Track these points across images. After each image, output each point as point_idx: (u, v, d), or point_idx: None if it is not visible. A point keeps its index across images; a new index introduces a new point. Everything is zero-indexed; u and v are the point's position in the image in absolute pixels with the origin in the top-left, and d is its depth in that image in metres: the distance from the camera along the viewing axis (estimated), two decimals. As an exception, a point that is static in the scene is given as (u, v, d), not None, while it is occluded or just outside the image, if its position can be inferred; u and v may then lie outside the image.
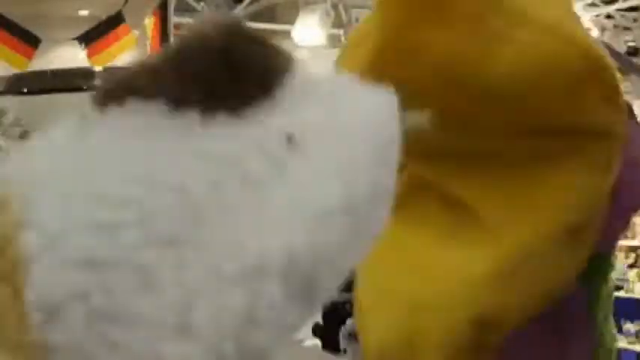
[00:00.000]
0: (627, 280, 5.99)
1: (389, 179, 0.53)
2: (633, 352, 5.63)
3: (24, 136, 5.73)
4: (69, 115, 0.60)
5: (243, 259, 0.46)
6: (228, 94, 0.50)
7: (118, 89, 0.55)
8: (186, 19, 8.73)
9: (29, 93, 5.74)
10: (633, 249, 6.25)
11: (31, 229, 0.46)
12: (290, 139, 0.50)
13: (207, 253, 0.47)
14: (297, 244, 0.47)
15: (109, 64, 5.67)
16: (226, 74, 0.50)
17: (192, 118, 0.49)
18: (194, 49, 0.52)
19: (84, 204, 0.47)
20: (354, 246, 0.50)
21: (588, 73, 1.01)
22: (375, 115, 0.54)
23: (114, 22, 5.39)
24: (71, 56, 5.80)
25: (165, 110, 0.50)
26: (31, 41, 5.26)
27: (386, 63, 0.98)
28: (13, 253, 0.46)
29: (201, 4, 7.22)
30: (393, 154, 0.54)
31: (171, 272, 0.46)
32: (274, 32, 8.54)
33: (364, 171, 0.51)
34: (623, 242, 5.71)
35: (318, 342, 3.33)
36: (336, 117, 0.53)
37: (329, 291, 0.49)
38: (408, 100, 0.56)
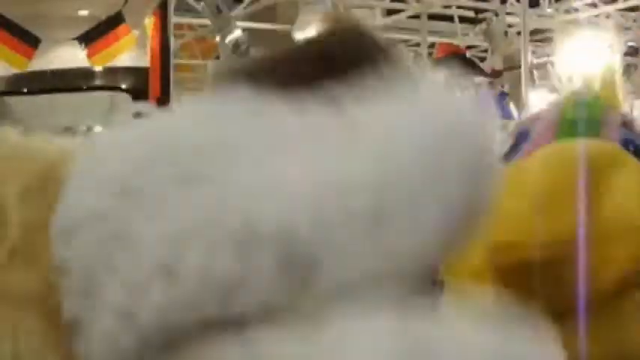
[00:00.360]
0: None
1: (446, 188, 0.53)
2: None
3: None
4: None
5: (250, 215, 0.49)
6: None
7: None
8: (187, 19, 8.73)
9: (29, 93, 5.73)
10: None
11: (78, 164, 0.54)
12: (351, 122, 0.54)
13: (220, 197, 0.50)
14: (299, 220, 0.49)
15: (108, 64, 5.66)
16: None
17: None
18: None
19: (130, 141, 0.54)
20: (371, 230, 0.51)
21: None
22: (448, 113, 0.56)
23: (114, 22, 5.38)
24: (71, 56, 5.79)
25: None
26: (31, 41, 5.25)
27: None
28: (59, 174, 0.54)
29: (201, 4, 7.22)
30: (457, 161, 0.53)
31: (181, 207, 0.50)
32: (274, 32, 8.54)
33: (409, 164, 0.52)
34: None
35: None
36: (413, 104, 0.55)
37: (330, 276, 0.49)
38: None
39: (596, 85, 1.20)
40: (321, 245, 0.48)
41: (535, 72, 8.32)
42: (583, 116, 1.13)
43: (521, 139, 1.15)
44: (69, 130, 5.79)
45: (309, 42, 0.65)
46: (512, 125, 1.25)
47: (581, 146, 1.07)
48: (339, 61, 0.59)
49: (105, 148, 0.55)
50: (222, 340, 0.49)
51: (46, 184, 0.55)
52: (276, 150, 0.52)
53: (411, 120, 0.54)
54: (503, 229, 0.90)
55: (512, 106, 7.16)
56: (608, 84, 1.20)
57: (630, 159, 1.07)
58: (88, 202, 0.51)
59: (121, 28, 5.35)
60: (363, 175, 0.50)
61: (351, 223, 0.49)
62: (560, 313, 0.81)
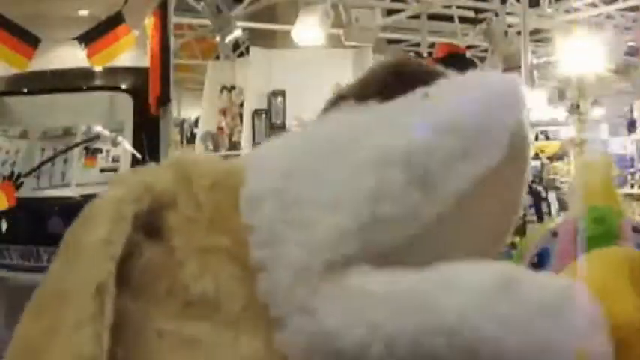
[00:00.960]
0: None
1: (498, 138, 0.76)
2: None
3: (24, 136, 5.73)
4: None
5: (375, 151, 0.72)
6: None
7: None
8: (187, 19, 8.73)
9: (29, 93, 5.73)
10: None
11: (253, 169, 0.78)
12: (426, 94, 0.79)
13: (359, 152, 0.73)
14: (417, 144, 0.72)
15: (108, 64, 5.65)
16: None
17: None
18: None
19: (294, 152, 0.79)
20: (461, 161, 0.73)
21: None
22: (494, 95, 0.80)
23: (114, 22, 5.36)
24: (71, 56, 5.79)
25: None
26: (31, 41, 5.24)
27: None
28: (240, 180, 0.76)
29: (201, 4, 7.21)
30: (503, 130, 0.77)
31: (341, 181, 0.72)
32: (274, 32, 8.54)
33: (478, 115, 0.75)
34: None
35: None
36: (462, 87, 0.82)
37: (449, 187, 0.71)
38: None
39: (597, 192, 1.23)
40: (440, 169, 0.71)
41: (535, 72, 8.32)
42: (602, 230, 1.15)
43: (542, 259, 1.19)
44: (69, 130, 5.78)
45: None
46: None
47: (620, 250, 1.12)
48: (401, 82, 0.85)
49: (267, 148, 0.84)
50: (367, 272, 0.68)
51: (228, 179, 0.77)
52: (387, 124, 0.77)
53: (472, 94, 0.78)
54: None
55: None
56: (608, 191, 1.25)
57: None
58: (265, 181, 0.75)
59: (121, 28, 5.34)
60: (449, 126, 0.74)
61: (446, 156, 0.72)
62: None
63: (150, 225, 0.74)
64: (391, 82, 0.87)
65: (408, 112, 0.77)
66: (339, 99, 0.90)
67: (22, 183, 5.31)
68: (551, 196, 6.84)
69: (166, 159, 0.88)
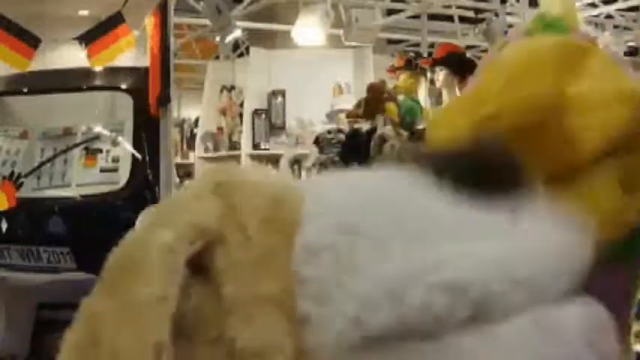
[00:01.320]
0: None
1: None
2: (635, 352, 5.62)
3: (24, 136, 5.73)
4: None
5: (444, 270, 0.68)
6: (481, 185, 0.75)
7: (424, 156, 0.85)
8: (187, 19, 8.73)
9: (29, 93, 5.73)
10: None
11: (311, 203, 0.74)
12: (513, 211, 0.74)
13: (428, 251, 0.69)
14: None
15: (108, 64, 5.65)
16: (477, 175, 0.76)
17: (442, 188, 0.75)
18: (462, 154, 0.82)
19: (354, 196, 0.75)
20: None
21: None
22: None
23: (114, 22, 5.36)
24: (71, 56, 5.79)
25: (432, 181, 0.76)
26: (31, 41, 5.24)
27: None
28: (294, 216, 0.73)
29: (201, 3, 7.22)
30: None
31: (400, 252, 0.69)
32: (274, 32, 8.54)
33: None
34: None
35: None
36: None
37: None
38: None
39: (556, 8, 1.29)
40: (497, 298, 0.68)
41: (535, 72, 8.30)
42: (551, 33, 1.23)
43: None
44: (69, 130, 5.77)
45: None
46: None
47: (556, 37, 1.21)
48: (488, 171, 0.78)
49: (328, 192, 0.77)
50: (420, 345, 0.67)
51: (279, 211, 0.74)
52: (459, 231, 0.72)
53: (545, 230, 0.73)
54: (484, 102, 1.03)
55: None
56: (569, 6, 1.30)
57: (601, 50, 1.22)
58: (326, 235, 0.71)
59: (121, 28, 5.33)
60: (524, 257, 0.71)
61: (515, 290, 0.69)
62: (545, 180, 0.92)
63: (198, 262, 0.72)
64: (470, 170, 0.79)
65: (486, 233, 0.73)
66: (421, 155, 0.85)
67: (22, 183, 5.31)
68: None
69: (204, 173, 0.83)
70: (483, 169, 0.77)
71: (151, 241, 0.71)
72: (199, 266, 0.72)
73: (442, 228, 0.71)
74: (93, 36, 5.27)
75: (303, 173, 5.79)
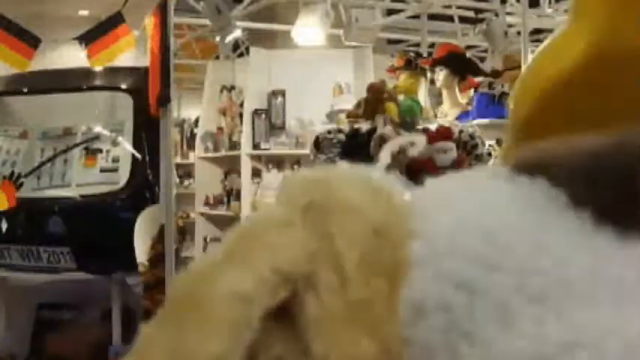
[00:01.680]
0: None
1: None
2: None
3: (24, 136, 5.73)
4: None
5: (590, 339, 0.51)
6: (620, 211, 0.56)
7: (536, 165, 0.61)
8: (187, 19, 8.73)
9: (29, 93, 5.73)
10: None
11: (420, 240, 0.58)
12: None
13: (562, 323, 0.52)
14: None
15: (108, 64, 5.65)
16: (624, 193, 0.56)
17: (582, 217, 0.56)
18: (605, 159, 0.57)
19: (471, 237, 0.57)
20: None
21: None
22: None
23: (114, 22, 5.37)
24: (71, 56, 5.79)
25: (563, 202, 0.57)
26: (31, 41, 5.24)
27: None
28: (400, 256, 0.58)
29: (201, 3, 7.22)
30: None
31: (529, 323, 0.52)
32: (274, 32, 8.54)
33: None
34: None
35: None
36: None
37: None
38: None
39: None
40: None
41: (535, 72, 8.29)
42: None
43: None
44: (69, 130, 5.77)
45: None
46: None
47: None
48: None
49: (444, 234, 0.58)
50: None
51: (382, 248, 0.59)
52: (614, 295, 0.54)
53: None
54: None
55: (512, 106, 7.13)
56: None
57: None
58: (435, 293, 0.56)
59: (121, 28, 5.34)
60: None
61: None
62: None
63: (281, 305, 0.59)
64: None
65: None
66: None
67: (22, 183, 5.31)
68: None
69: (290, 185, 0.65)
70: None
71: (220, 283, 0.57)
72: (283, 310, 0.59)
73: (608, 286, 0.53)
74: (93, 36, 5.27)
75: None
